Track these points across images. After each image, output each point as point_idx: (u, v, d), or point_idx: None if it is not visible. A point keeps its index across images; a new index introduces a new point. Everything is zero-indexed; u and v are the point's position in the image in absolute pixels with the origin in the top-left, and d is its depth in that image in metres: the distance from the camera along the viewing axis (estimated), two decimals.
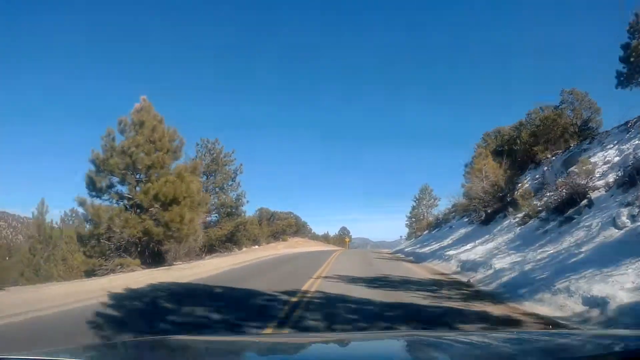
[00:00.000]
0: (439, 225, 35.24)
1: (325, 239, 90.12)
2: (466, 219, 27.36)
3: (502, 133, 32.89)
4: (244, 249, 41.31)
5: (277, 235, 60.10)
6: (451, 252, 18.31)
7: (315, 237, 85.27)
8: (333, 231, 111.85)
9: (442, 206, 43.96)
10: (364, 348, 2.35)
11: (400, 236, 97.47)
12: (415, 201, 42.55)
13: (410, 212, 46.97)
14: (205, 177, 40.61)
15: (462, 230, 23.64)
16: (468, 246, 18.30)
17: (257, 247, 45.52)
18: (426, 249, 24.02)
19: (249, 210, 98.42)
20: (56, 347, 2.71)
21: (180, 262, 24.76)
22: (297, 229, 71.44)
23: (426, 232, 39.73)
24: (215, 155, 40.69)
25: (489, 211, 21.39)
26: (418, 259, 21.88)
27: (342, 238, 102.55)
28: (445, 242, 22.97)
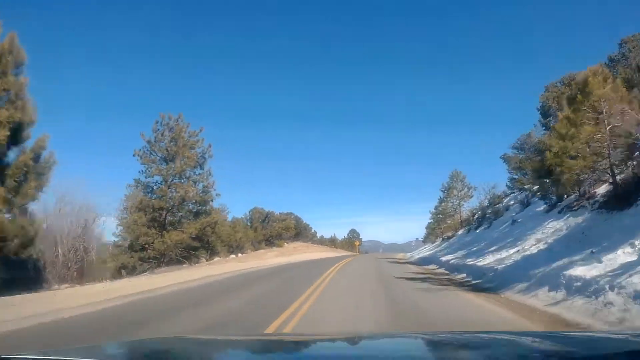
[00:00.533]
0: (486, 221, 24.61)
1: (332, 243, 79.45)
2: (544, 205, 16.80)
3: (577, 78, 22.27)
4: (216, 259, 31.14)
5: (271, 239, 49.88)
6: (591, 275, 7.88)
7: (321, 241, 74.78)
8: (342, 234, 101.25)
9: (475, 201, 33.14)
10: (375, 347, 2.30)
11: (417, 238, 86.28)
12: (443, 191, 31.76)
13: (436, 207, 36.22)
14: (164, 163, 30.69)
15: (555, 224, 13.05)
16: (629, 256, 7.91)
17: (238, 255, 35.37)
18: (490, 260, 13.46)
19: (240, 210, 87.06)
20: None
21: (68, 286, 15.14)
22: (298, 232, 61.09)
23: (462, 231, 29.10)
24: (175, 134, 30.70)
25: (622, 179, 10.92)
26: (485, 280, 11.37)
27: (351, 241, 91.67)
28: (528, 248, 12.44)
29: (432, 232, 60.36)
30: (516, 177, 35.80)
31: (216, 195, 30.21)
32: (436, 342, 2.31)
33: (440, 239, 36.59)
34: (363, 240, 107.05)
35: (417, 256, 30.03)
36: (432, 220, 67.03)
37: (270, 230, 50.74)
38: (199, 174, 31.18)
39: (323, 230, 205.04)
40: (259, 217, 53.74)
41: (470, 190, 30.81)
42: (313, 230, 74.55)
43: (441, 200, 32.31)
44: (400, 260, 28.23)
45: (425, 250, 33.99)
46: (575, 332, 3.36)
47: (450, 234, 33.16)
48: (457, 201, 30.88)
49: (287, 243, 51.91)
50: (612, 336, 2.23)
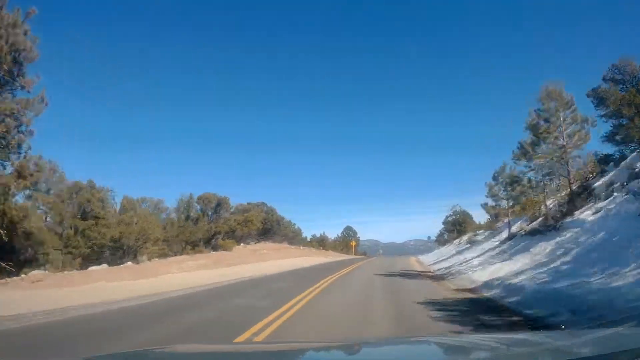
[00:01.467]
0: None
1: (321, 243, 62.30)
2: None
3: None
4: (38, 272, 14.25)
5: (217, 238, 33.05)
6: None
7: (305, 242, 57.82)
8: (336, 233, 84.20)
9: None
10: (376, 355, 2.23)
11: (428, 237, 69.29)
12: (531, 129, 14.44)
13: (496, 176, 18.65)
14: None
15: None
16: None
17: (123, 266, 18.61)
18: None
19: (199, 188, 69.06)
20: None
21: None
22: (268, 228, 44.15)
23: (591, 213, 12.16)
24: None
25: None
26: None
27: (346, 241, 74.65)
28: None
29: (462, 228, 43.50)
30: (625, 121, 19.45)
31: (26, 133, 13.33)
32: (441, 346, 2.20)
33: (502, 236, 19.73)
34: (360, 239, 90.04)
35: (480, 277, 12.95)
36: (452, 213, 50.34)
37: (220, 224, 33.84)
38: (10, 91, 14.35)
39: (316, 230, 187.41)
40: (208, 206, 36.89)
41: (586, 126, 13.82)
42: (296, 227, 57.60)
43: (524, 150, 14.81)
44: (442, 280, 11.38)
45: (478, 263, 16.98)
46: (578, 332, 3.04)
47: (531, 224, 16.36)
48: (559, 148, 13.69)
49: (245, 245, 34.99)
50: (615, 334, 2.15)
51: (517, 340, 2.25)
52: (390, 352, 2.23)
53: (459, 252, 25.43)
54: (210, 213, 36.96)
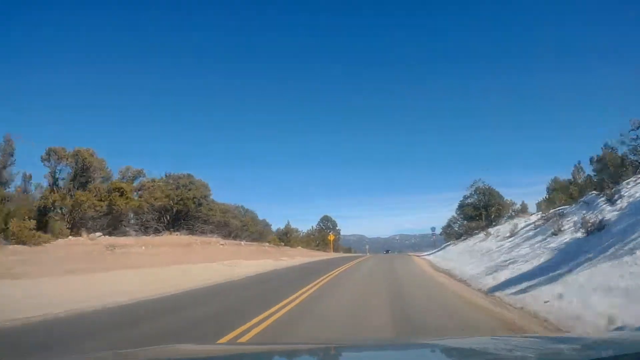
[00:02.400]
0: None
1: (283, 238, 45.83)
2: None
3: None
4: None
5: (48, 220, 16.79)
6: None
7: (256, 238, 41.50)
8: (307, 226, 67.75)
9: None
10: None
11: (432, 229, 53.93)
12: None
13: None
14: None
15: None
16: None
17: None
18: None
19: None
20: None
21: None
22: (185, 212, 27.82)
23: None
24: None
25: None
26: None
27: (322, 235, 58.68)
28: None
29: (491, 212, 27.96)
30: None
31: None
32: (445, 352, 2.04)
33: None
34: (343, 233, 73.94)
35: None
36: (472, 192, 35.01)
37: (47, 196, 17.62)
38: None
39: (295, 225, 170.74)
40: (58, 167, 20.52)
41: None
42: (249, 215, 41.32)
43: None
44: None
45: None
46: (578, 336, 3.12)
47: None
48: None
49: (97, 236, 18.82)
50: (614, 339, 2.12)
51: (519, 343, 2.11)
52: (384, 357, 2.06)
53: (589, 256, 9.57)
54: (61, 179, 20.65)
